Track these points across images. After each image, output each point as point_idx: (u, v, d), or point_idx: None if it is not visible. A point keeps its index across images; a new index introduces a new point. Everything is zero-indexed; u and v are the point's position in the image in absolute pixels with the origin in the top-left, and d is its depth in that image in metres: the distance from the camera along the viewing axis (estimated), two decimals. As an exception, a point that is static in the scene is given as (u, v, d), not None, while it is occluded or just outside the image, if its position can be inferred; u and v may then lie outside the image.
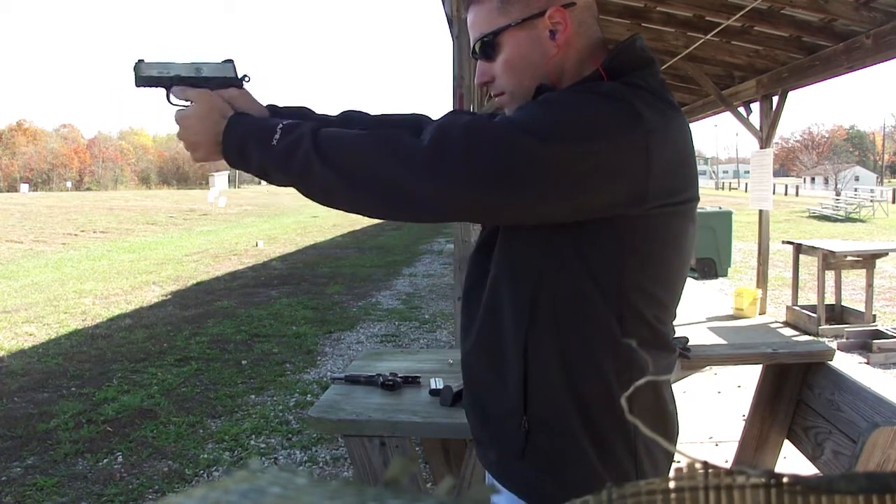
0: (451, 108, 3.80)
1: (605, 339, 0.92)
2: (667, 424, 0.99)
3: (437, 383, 1.96)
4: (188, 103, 1.05)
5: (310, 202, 1.01)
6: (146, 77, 1.08)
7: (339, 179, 0.91)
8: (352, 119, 1.16)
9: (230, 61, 1.09)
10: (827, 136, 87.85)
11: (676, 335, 2.29)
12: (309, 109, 1.17)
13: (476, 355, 1.04)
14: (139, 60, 1.08)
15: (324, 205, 0.98)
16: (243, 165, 1.00)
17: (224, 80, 1.08)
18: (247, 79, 1.10)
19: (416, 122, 1.10)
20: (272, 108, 1.13)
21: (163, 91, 1.08)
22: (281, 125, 0.96)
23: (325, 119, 1.15)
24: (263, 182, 1.08)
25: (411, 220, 0.97)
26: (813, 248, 6.04)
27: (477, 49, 1.01)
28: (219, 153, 1.01)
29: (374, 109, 1.23)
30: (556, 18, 0.95)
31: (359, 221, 20.00)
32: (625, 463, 0.95)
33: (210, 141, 1.01)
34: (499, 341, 0.99)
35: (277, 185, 1.00)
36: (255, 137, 0.97)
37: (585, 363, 0.93)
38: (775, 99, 6.21)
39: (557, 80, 0.97)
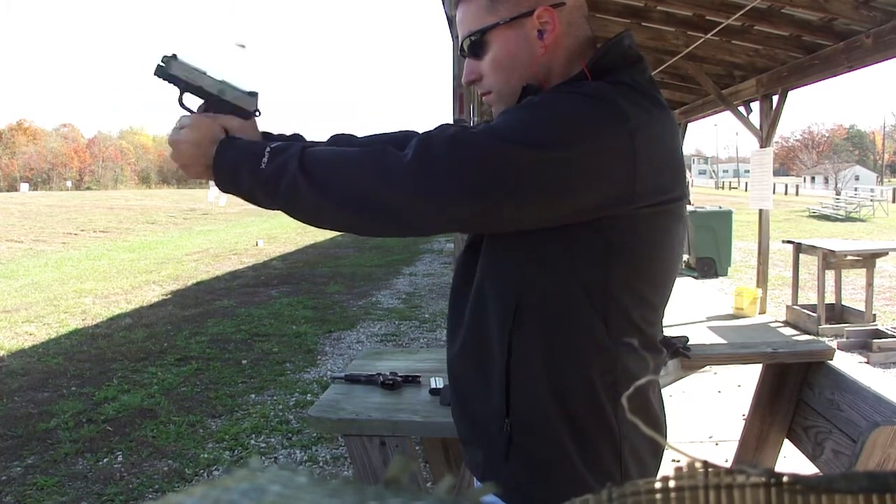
0: (451, 108, 3.79)
1: (590, 340, 0.92)
2: (652, 427, 0.98)
3: (437, 382, 1.96)
4: (194, 111, 1.04)
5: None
6: (169, 73, 1.04)
7: (325, 199, 0.91)
8: (340, 143, 1.16)
9: (255, 94, 1.08)
10: (827, 135, 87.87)
11: (677, 335, 2.29)
12: (300, 136, 1.16)
13: (462, 356, 1.03)
14: (173, 55, 1.05)
15: (312, 225, 0.97)
16: (234, 189, 0.99)
17: (240, 111, 1.06)
18: (258, 114, 1.09)
19: (405, 140, 1.10)
20: (265, 136, 1.13)
21: (176, 90, 1.06)
22: (269, 148, 0.95)
23: (315, 143, 1.14)
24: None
25: (400, 236, 0.98)
26: (813, 247, 6.04)
27: (465, 47, 1.01)
28: (210, 177, 1.01)
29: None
30: (544, 18, 0.95)
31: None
32: (609, 465, 0.94)
33: (201, 164, 1.01)
34: (484, 342, 0.98)
35: (266, 208, 0.98)
36: (244, 161, 0.96)
37: (569, 365, 0.93)
38: (775, 98, 6.21)
39: (545, 79, 0.97)
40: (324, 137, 1.18)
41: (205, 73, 1.06)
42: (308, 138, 1.17)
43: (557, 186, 0.85)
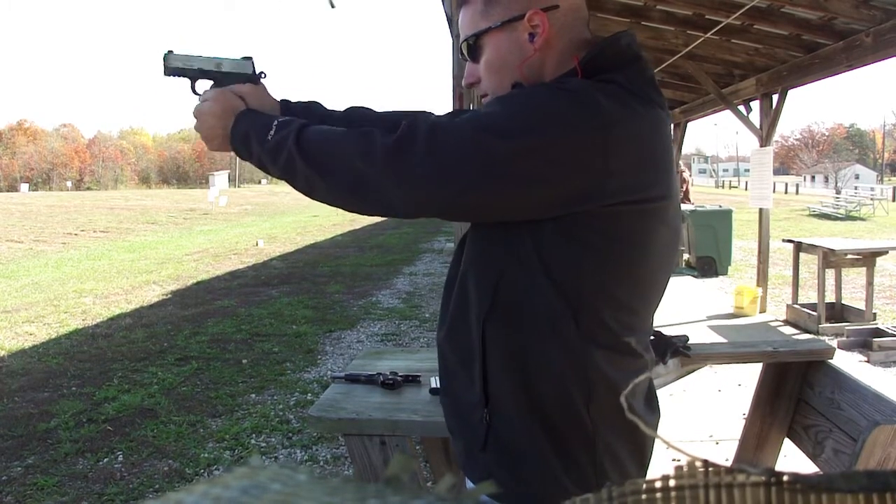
0: (450, 108, 3.79)
1: (560, 338, 0.92)
2: (633, 432, 0.96)
3: (437, 382, 1.96)
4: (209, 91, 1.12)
5: (310, 201, 1.04)
6: (172, 68, 1.15)
7: (316, 174, 0.96)
8: (354, 115, 1.20)
9: (249, 58, 1.17)
10: (827, 134, 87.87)
11: (676, 334, 2.28)
12: (318, 104, 1.21)
13: (448, 345, 1.05)
14: (168, 52, 1.15)
15: (308, 197, 1.02)
16: (247, 158, 1.07)
17: (242, 76, 1.15)
18: (263, 75, 1.17)
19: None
20: (284, 103, 1.19)
21: (188, 81, 1.16)
22: (277, 121, 1.01)
23: (327, 115, 1.19)
24: (264, 181, 1.13)
25: (382, 215, 0.99)
26: (813, 246, 6.04)
27: (464, 51, 1.03)
28: (228, 146, 1.09)
29: (375, 108, 1.24)
30: (535, 21, 0.95)
31: (358, 220, 19.99)
32: (582, 462, 0.93)
33: (221, 135, 1.09)
34: (465, 332, 1.00)
35: (275, 177, 1.05)
36: (255, 133, 1.03)
37: (540, 360, 0.93)
38: (775, 97, 6.20)
39: (536, 81, 0.98)
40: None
41: (199, 56, 1.15)
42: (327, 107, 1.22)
43: (526, 176, 0.86)
